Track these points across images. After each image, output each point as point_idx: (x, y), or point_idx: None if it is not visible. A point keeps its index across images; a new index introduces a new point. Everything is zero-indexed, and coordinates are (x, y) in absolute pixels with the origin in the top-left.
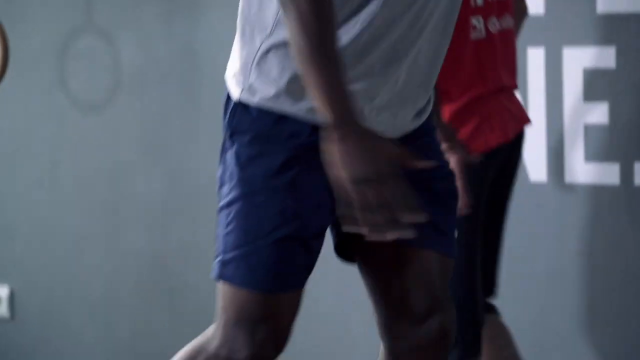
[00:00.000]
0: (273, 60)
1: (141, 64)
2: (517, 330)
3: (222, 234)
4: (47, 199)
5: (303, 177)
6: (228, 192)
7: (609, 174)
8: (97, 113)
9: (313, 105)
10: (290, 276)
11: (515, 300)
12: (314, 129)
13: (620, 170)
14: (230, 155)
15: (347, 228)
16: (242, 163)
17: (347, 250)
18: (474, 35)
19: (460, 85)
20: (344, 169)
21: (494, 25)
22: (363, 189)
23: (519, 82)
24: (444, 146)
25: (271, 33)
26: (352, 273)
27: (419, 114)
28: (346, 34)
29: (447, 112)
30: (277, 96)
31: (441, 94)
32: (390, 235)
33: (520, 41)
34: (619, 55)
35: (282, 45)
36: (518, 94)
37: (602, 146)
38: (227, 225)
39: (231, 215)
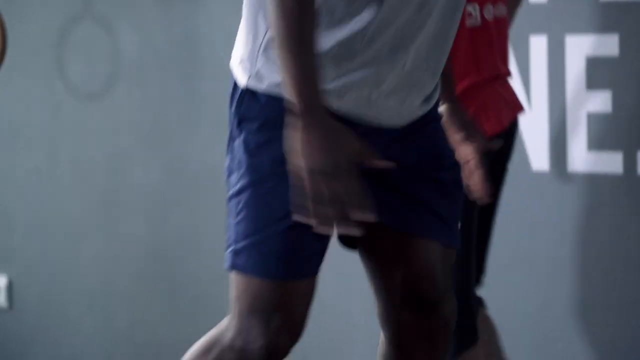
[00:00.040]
0: None
1: (140, 52)
2: (518, 319)
3: (233, 223)
4: (45, 188)
5: None
6: (237, 181)
7: (611, 162)
8: (96, 102)
9: (324, 89)
10: (303, 263)
11: (516, 289)
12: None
13: (623, 159)
14: (238, 143)
15: (296, 217)
16: (251, 150)
17: (348, 237)
18: (469, 22)
19: (456, 73)
20: (302, 158)
21: (489, 12)
22: (317, 180)
23: (521, 70)
24: (460, 135)
25: None
26: (352, 262)
27: (426, 99)
28: (358, 22)
29: None
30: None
31: None
32: (337, 230)
33: (522, 29)
34: (622, 43)
35: None
36: (519, 82)
37: (605, 135)
38: (238, 214)
39: (241, 203)
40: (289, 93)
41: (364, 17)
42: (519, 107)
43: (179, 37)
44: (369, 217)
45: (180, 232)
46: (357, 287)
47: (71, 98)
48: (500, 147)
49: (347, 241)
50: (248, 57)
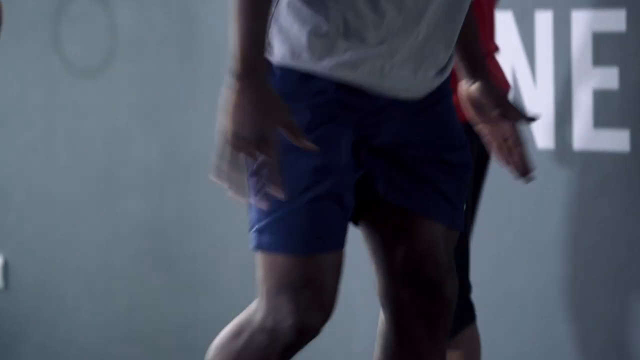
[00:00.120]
0: (292, 16)
1: (138, 28)
2: (523, 300)
3: (255, 201)
4: (41, 166)
5: (332, 133)
6: (257, 157)
7: (618, 140)
8: (93, 78)
9: (336, 63)
10: (329, 236)
11: (520, 269)
12: (339, 86)
13: (630, 137)
14: None
15: (212, 177)
16: None
17: (352, 213)
18: None
19: None
20: (230, 121)
21: None
22: (239, 146)
23: (526, 46)
24: (496, 112)
25: None
26: (353, 241)
27: (441, 71)
28: None
29: None
30: (299, 54)
31: None
32: (246, 200)
33: (527, 4)
34: (630, 18)
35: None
36: (524, 59)
37: (612, 112)
38: (258, 192)
39: (261, 180)
40: (233, 53)
41: None
42: (506, 85)
43: (177, 13)
44: (279, 193)
45: (180, 211)
46: (357, 267)
47: (68, 75)
48: None
49: (350, 217)
50: None
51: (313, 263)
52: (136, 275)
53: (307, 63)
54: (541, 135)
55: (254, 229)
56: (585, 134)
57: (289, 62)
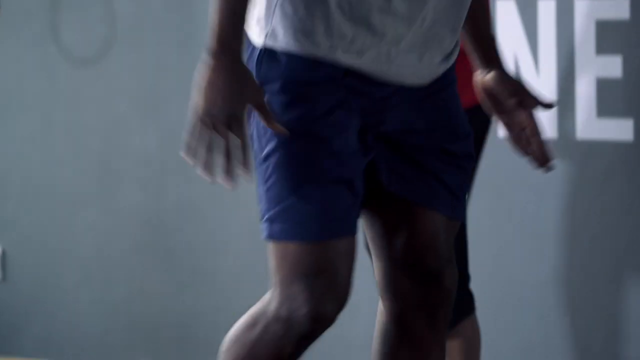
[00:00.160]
0: (297, 1)
1: (136, 16)
2: (528, 290)
3: (263, 191)
4: (39, 155)
5: (341, 119)
6: (264, 146)
7: (622, 129)
8: (91, 66)
9: (342, 49)
10: (340, 221)
11: (524, 260)
12: (347, 72)
13: (633, 126)
14: None
15: (183, 155)
16: (277, 112)
17: None
18: None
19: None
20: (202, 97)
21: None
22: (210, 124)
23: (529, 35)
24: (512, 101)
25: None
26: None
27: (447, 57)
28: None
29: None
30: (304, 39)
31: None
32: (214, 180)
33: None
34: (633, 6)
35: None
36: (526, 47)
37: (615, 101)
38: (267, 180)
39: (270, 168)
40: (210, 30)
41: None
42: None
43: (176, 1)
44: (247, 176)
45: (178, 200)
46: (358, 258)
47: (65, 63)
48: (485, 117)
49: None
50: (265, 14)
51: (326, 250)
52: (135, 265)
53: (313, 49)
54: (544, 124)
55: (265, 218)
56: (588, 123)
57: (294, 48)
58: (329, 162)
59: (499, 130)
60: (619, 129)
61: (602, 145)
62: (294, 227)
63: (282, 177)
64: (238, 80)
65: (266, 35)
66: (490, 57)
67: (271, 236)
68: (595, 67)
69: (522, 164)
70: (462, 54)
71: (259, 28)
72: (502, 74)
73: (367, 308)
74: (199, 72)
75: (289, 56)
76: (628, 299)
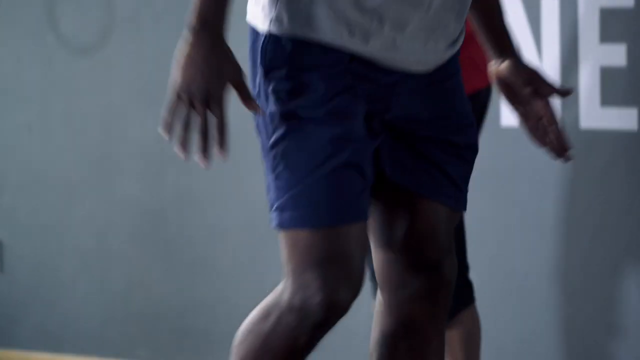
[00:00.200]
0: None
1: (135, 3)
2: (529, 282)
3: (272, 180)
4: (36, 145)
5: (348, 103)
6: (271, 134)
7: (626, 119)
8: (89, 56)
9: (348, 34)
10: (351, 206)
11: (525, 251)
12: (352, 58)
13: (638, 115)
14: (267, 96)
15: (160, 131)
16: (283, 98)
17: None
18: None
19: None
20: (180, 74)
21: None
22: (187, 101)
23: (532, 23)
24: (527, 90)
25: None
26: None
27: (452, 43)
28: None
29: None
30: (310, 25)
31: None
32: (188, 157)
33: None
34: None
35: None
36: (529, 35)
37: (619, 90)
38: (275, 168)
39: (278, 157)
40: (192, 5)
41: None
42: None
43: None
44: (223, 155)
45: (178, 191)
46: None
47: (63, 52)
48: (484, 104)
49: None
50: (269, 0)
51: (338, 236)
52: (134, 256)
53: (319, 34)
54: None
55: (274, 207)
56: (592, 113)
57: (300, 33)
58: (337, 147)
59: (502, 119)
60: (623, 119)
61: (606, 135)
62: (304, 214)
63: (290, 165)
64: (217, 58)
65: (270, 22)
66: (504, 46)
67: (281, 225)
68: (599, 56)
69: (525, 154)
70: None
71: (263, 14)
72: (517, 63)
73: (368, 299)
74: (178, 48)
75: (294, 42)
76: (630, 290)
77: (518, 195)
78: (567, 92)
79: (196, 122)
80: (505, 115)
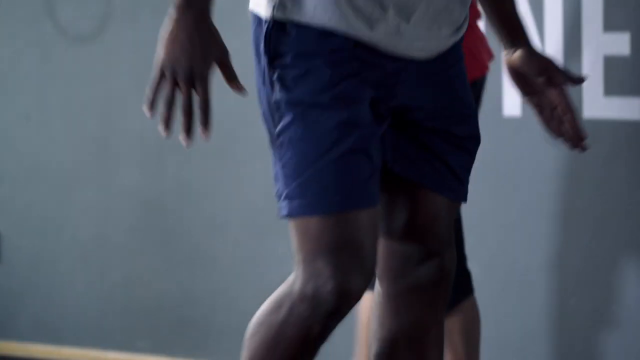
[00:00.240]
0: None
1: None
2: (531, 272)
3: (280, 168)
4: (34, 135)
5: (353, 88)
6: (277, 123)
7: (629, 108)
8: (87, 44)
9: (353, 20)
10: (360, 191)
11: (527, 242)
12: (357, 43)
13: None
14: (272, 84)
15: (144, 109)
16: (288, 85)
17: None
18: None
19: None
20: (164, 52)
21: None
22: (169, 78)
23: (535, 11)
24: (541, 79)
25: None
26: None
27: (456, 30)
28: None
29: None
30: (314, 11)
31: None
32: (169, 135)
33: None
34: None
35: None
36: (532, 24)
37: (623, 79)
38: (282, 156)
39: (285, 144)
40: None
41: None
42: (489, 51)
43: None
44: (206, 134)
45: (177, 181)
46: None
47: (61, 41)
48: (476, 95)
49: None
50: None
51: (348, 222)
52: (132, 247)
53: (323, 20)
54: None
55: (283, 196)
56: (595, 102)
57: (304, 20)
58: (344, 132)
59: (504, 109)
60: (626, 108)
61: (609, 124)
62: (314, 200)
63: (297, 152)
64: (201, 36)
65: (274, 8)
66: (516, 35)
67: (290, 213)
68: (603, 44)
69: (527, 144)
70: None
71: (266, 1)
72: (529, 52)
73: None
74: (164, 25)
75: (299, 28)
76: (635, 281)
77: (521, 186)
78: (580, 79)
79: (179, 100)
80: (508, 105)
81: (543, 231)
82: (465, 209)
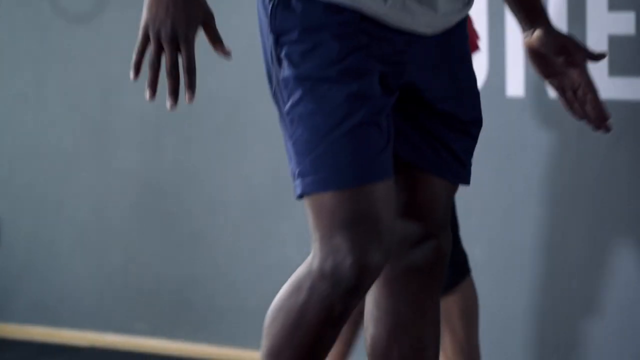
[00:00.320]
0: None
1: None
2: (532, 255)
3: (291, 146)
4: (32, 116)
5: (362, 60)
6: (286, 101)
7: (634, 88)
8: (85, 24)
9: None
10: (374, 164)
11: (529, 224)
12: (363, 17)
13: None
14: (280, 62)
15: (131, 75)
16: (296, 61)
17: None
18: None
19: None
20: (148, 14)
21: None
22: (155, 40)
23: None
24: (561, 60)
25: None
26: None
27: (463, 7)
28: None
29: None
30: None
31: None
32: (151, 99)
33: None
34: None
35: None
36: None
37: (628, 59)
38: (293, 133)
39: (295, 120)
40: None
41: None
42: (476, 32)
43: None
44: (190, 96)
45: (176, 163)
46: None
47: (59, 21)
48: None
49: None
50: None
51: (363, 195)
52: (131, 229)
53: None
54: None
55: (296, 175)
56: (599, 82)
57: None
58: (354, 105)
59: (507, 90)
60: (631, 88)
61: (614, 105)
62: (326, 176)
63: (308, 128)
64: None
65: None
66: (535, 15)
67: (304, 191)
68: (607, 24)
69: (531, 125)
70: None
71: None
72: (547, 30)
73: None
74: None
75: (304, 3)
76: (635, 264)
77: (524, 167)
78: (601, 55)
79: (160, 62)
80: (511, 85)
81: (546, 212)
82: (467, 191)
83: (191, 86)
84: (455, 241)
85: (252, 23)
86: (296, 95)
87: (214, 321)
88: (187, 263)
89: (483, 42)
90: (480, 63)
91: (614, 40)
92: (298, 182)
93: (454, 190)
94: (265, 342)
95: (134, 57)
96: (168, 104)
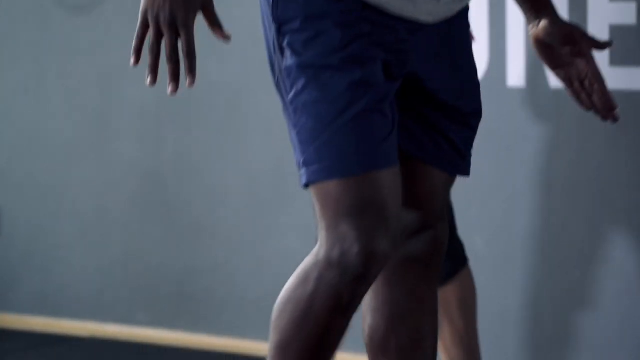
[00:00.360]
0: None
1: None
2: (534, 245)
3: (295, 136)
4: (32, 107)
5: (365, 49)
6: (290, 89)
7: (635, 79)
8: (86, 14)
9: None
10: (378, 151)
11: (531, 213)
12: (365, 5)
13: None
14: (283, 51)
15: (131, 61)
16: (298, 50)
17: None
18: None
19: None
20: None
21: None
22: (154, 25)
23: None
24: (567, 50)
25: None
26: None
27: None
28: None
29: None
30: None
31: None
32: (152, 84)
33: None
34: None
35: None
36: None
37: (629, 49)
38: (297, 122)
39: (298, 110)
40: None
41: None
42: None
43: None
44: (191, 81)
45: (177, 153)
46: None
47: (59, 11)
48: None
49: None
50: None
51: (369, 182)
52: (132, 220)
53: None
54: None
55: (301, 164)
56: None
57: None
58: (357, 93)
59: (508, 80)
60: (632, 78)
61: (615, 95)
62: (331, 164)
63: (311, 116)
64: None
65: None
66: (540, 6)
67: (309, 180)
68: (609, 14)
69: (532, 116)
70: None
71: None
72: (552, 20)
73: None
74: None
75: None
76: (636, 253)
77: (523, 156)
78: (606, 44)
79: (160, 47)
80: (512, 76)
81: (548, 202)
82: (467, 181)
83: (191, 70)
84: (452, 230)
85: (254, 13)
86: (299, 84)
87: (214, 312)
88: (188, 254)
89: (484, 33)
90: (481, 53)
91: (615, 30)
92: (303, 171)
93: (452, 181)
94: (272, 336)
95: (133, 42)
96: (169, 89)
